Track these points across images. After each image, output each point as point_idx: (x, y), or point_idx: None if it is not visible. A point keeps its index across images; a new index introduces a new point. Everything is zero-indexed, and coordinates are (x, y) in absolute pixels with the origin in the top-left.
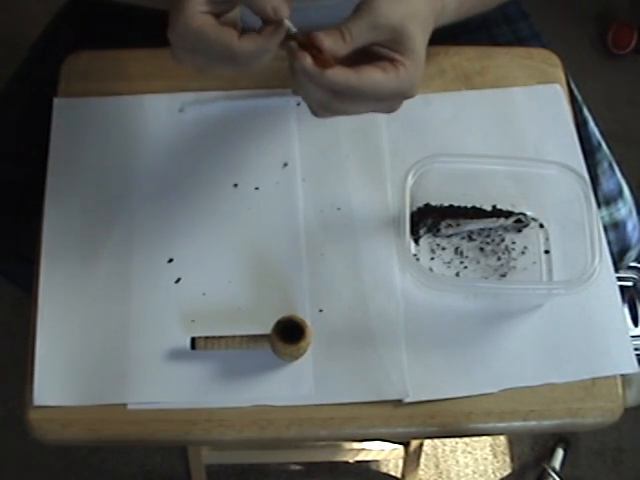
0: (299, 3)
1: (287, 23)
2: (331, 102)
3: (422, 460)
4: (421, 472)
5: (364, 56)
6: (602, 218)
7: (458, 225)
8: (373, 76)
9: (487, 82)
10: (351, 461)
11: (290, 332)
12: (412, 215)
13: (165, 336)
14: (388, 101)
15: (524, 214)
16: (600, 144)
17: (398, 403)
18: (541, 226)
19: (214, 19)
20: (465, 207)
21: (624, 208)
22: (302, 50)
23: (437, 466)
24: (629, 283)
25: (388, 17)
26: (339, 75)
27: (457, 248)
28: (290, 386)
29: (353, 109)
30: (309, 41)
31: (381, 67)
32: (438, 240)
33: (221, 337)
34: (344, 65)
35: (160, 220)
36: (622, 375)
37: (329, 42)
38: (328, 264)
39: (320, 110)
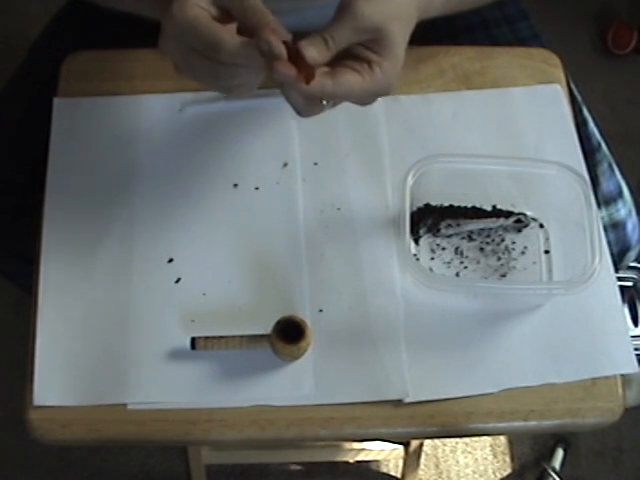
0: (296, 3)
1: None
2: (307, 105)
3: (422, 460)
4: (421, 472)
5: (343, 52)
6: (602, 218)
7: (458, 225)
8: (349, 82)
9: (487, 82)
10: (351, 461)
11: (290, 332)
12: (412, 215)
13: (165, 336)
14: (362, 99)
15: (524, 214)
16: (600, 144)
17: (398, 403)
18: (541, 226)
19: (209, 16)
20: (465, 207)
21: (624, 208)
22: (286, 62)
23: (437, 466)
24: (629, 283)
25: (369, 19)
26: (315, 86)
27: (457, 248)
28: (290, 386)
29: (329, 108)
30: (295, 50)
31: (358, 70)
32: (438, 240)
33: (221, 337)
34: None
35: (160, 220)
36: (622, 375)
37: (314, 53)
38: (328, 264)
39: (302, 110)
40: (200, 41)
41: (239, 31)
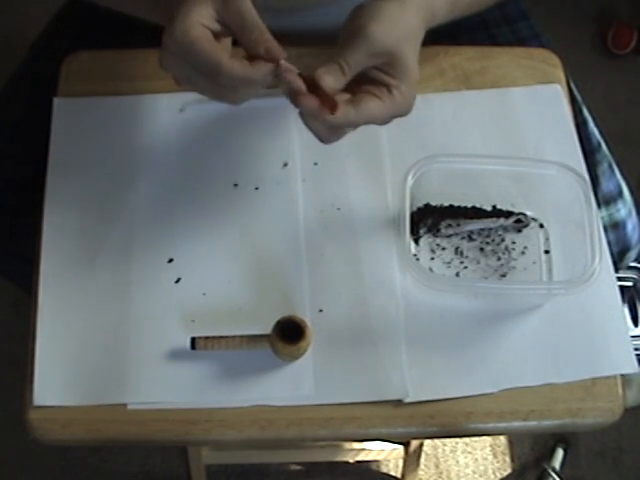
0: (297, 3)
1: (284, 63)
2: (330, 134)
3: (422, 460)
4: (421, 472)
5: (358, 76)
6: (602, 218)
7: (458, 225)
8: (370, 109)
9: (487, 82)
10: (351, 461)
11: (290, 332)
12: (412, 215)
13: (165, 336)
14: (383, 121)
15: (524, 214)
16: (600, 144)
17: (398, 403)
18: (541, 226)
19: (211, 35)
20: (465, 207)
21: (624, 208)
22: (309, 94)
23: (437, 466)
24: (629, 283)
25: (383, 43)
26: (340, 116)
27: (457, 248)
28: (290, 386)
29: (350, 131)
30: (312, 80)
31: (377, 95)
32: (438, 240)
33: (221, 337)
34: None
35: (160, 220)
36: (622, 375)
37: (331, 81)
38: (328, 264)
39: (325, 138)
40: (200, 64)
41: (234, 44)
